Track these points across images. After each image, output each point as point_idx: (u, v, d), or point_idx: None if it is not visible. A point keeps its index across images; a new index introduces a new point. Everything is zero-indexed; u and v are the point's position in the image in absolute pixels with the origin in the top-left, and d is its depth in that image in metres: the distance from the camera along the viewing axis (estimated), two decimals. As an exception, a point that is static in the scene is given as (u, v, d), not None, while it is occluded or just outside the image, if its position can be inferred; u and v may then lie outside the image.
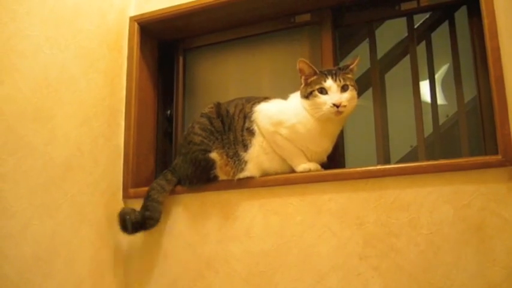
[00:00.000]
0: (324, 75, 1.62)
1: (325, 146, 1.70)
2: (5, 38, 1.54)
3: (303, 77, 1.68)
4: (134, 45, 2.07)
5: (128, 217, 1.78)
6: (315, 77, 1.65)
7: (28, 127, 1.58)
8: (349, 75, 1.64)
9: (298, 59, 1.67)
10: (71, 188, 1.72)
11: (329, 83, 1.60)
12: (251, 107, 1.74)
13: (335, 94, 1.59)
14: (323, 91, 1.60)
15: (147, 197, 1.80)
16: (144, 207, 1.79)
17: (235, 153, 1.73)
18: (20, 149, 1.55)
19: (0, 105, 1.50)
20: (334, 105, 1.57)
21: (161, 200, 1.81)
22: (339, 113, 1.59)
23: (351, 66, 1.66)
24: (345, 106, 1.58)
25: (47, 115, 1.65)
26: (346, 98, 1.59)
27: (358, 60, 1.68)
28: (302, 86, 1.69)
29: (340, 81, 1.60)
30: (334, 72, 1.62)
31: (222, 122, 1.77)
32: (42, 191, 1.61)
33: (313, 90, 1.62)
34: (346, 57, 2.22)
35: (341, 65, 1.70)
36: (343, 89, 1.60)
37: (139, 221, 1.78)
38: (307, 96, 1.64)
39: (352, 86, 1.62)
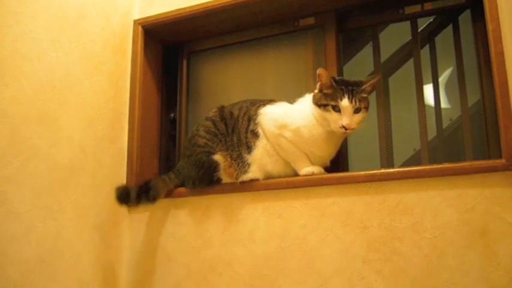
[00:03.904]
0: (342, 91, 1.58)
1: (329, 152, 1.71)
2: (10, 40, 1.55)
3: (319, 83, 1.64)
4: (138, 48, 2.08)
5: (130, 189, 1.80)
6: (331, 90, 1.61)
7: (32, 129, 1.59)
8: (365, 95, 1.61)
9: (319, 68, 1.63)
10: (74, 191, 1.72)
11: (345, 103, 1.57)
12: (256, 110, 1.75)
13: (347, 117, 1.56)
14: (337, 108, 1.58)
15: (149, 181, 1.83)
16: (146, 183, 1.81)
17: (239, 155, 1.73)
18: (24, 151, 1.55)
19: (4, 107, 1.50)
20: (343, 126, 1.57)
21: (162, 186, 1.82)
22: (345, 134, 1.60)
23: (365, 87, 1.61)
24: (353, 129, 1.58)
25: (51, 117, 1.66)
26: (356, 121, 1.58)
27: (377, 80, 1.65)
28: (316, 91, 1.66)
29: (355, 103, 1.57)
30: (351, 89, 1.58)
31: (226, 124, 1.78)
32: (46, 193, 1.62)
33: (328, 105, 1.60)
34: (350, 61, 2.22)
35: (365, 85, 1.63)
36: (356, 110, 1.58)
37: (143, 189, 1.79)
38: (319, 105, 1.62)
39: (365, 108, 1.60)
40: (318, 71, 1.63)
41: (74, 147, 1.74)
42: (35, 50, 1.63)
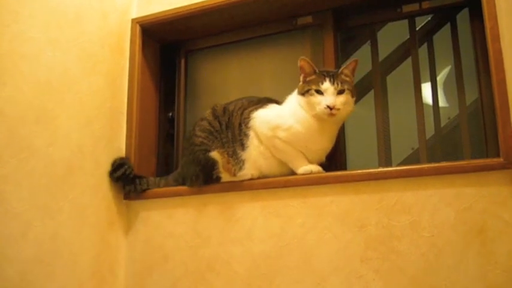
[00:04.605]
0: (323, 76, 1.64)
1: (324, 145, 1.71)
2: (8, 40, 1.54)
3: (302, 75, 1.71)
4: (136, 47, 2.08)
5: (126, 167, 1.91)
6: (313, 77, 1.67)
7: (30, 129, 1.58)
8: (347, 79, 1.67)
9: (300, 57, 1.69)
10: (72, 190, 1.72)
11: (326, 85, 1.62)
12: (248, 114, 1.76)
13: (330, 97, 1.61)
14: (319, 92, 1.63)
15: (144, 176, 1.95)
16: (139, 177, 1.93)
17: (234, 152, 1.74)
18: (22, 151, 1.55)
19: (2, 106, 1.50)
20: (328, 107, 1.59)
21: (150, 187, 1.93)
22: (332, 115, 1.61)
23: (343, 69, 1.67)
24: (338, 109, 1.61)
25: (49, 117, 1.66)
26: (341, 101, 1.62)
27: (355, 62, 1.69)
28: (300, 83, 1.71)
29: (337, 84, 1.62)
30: (332, 74, 1.64)
31: (219, 121, 1.80)
32: (44, 193, 1.62)
33: (310, 89, 1.64)
34: (348, 60, 2.22)
35: (343, 67, 1.70)
36: (340, 92, 1.63)
37: (128, 179, 1.91)
38: (303, 93, 1.67)
39: (348, 90, 1.65)
40: (299, 63, 1.70)
41: (71, 146, 1.74)
42: (32, 49, 1.62)
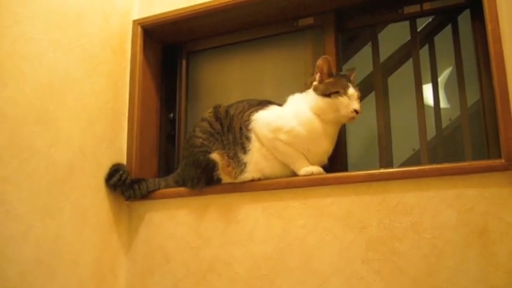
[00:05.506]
0: (346, 80, 1.68)
1: (326, 147, 1.71)
2: (9, 41, 1.55)
3: (318, 74, 1.70)
4: (138, 49, 2.08)
5: (121, 172, 1.89)
6: (332, 79, 1.69)
7: (31, 130, 1.59)
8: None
9: (322, 56, 1.71)
10: (73, 191, 1.72)
11: (351, 90, 1.66)
12: (249, 116, 1.75)
13: (356, 101, 1.66)
14: (345, 94, 1.65)
15: (143, 179, 1.92)
16: (137, 181, 1.89)
17: (235, 154, 1.74)
18: (23, 152, 1.55)
19: (4, 108, 1.50)
20: (355, 111, 1.63)
21: (150, 189, 1.90)
22: (353, 118, 1.65)
23: (352, 79, 1.72)
24: (358, 114, 1.65)
25: (50, 118, 1.66)
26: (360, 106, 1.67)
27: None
28: (315, 83, 1.71)
29: (358, 91, 1.68)
30: (350, 80, 1.69)
31: (221, 123, 1.79)
32: (45, 194, 1.62)
33: (338, 91, 1.65)
34: (349, 61, 2.22)
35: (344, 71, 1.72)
36: (358, 97, 1.68)
37: (125, 185, 1.88)
38: (328, 94, 1.66)
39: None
40: (318, 62, 1.70)
41: (73, 147, 1.74)
42: (34, 51, 1.63)
